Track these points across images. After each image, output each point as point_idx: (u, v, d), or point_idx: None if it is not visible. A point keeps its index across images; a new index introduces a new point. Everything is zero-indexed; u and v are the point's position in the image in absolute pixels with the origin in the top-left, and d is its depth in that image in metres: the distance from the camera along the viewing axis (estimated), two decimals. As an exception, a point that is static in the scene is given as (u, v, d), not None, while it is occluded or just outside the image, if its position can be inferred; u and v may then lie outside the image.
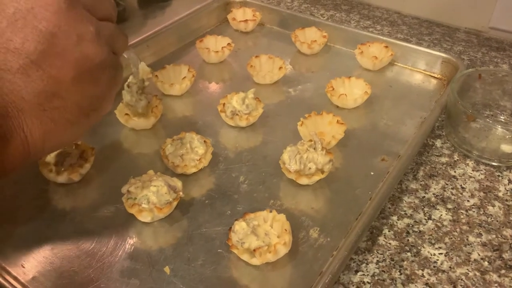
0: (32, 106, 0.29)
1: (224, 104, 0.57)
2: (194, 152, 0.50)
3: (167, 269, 0.41)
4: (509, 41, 0.78)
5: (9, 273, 0.40)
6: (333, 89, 0.61)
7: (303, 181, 0.48)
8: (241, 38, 0.76)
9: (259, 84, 0.64)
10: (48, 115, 0.30)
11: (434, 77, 0.67)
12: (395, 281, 0.41)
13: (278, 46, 0.74)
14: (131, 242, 0.43)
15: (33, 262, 0.41)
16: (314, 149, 0.49)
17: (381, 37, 0.70)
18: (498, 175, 0.52)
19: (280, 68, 0.64)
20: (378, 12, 0.88)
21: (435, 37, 0.79)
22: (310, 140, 0.50)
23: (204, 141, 0.51)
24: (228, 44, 0.68)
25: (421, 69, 0.68)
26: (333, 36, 0.73)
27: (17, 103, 0.29)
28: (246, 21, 0.75)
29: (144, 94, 0.53)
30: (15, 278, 0.39)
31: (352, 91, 0.61)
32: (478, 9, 0.79)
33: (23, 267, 0.40)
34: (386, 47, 0.68)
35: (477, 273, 0.42)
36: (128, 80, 0.51)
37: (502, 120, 0.60)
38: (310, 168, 0.48)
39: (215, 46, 0.69)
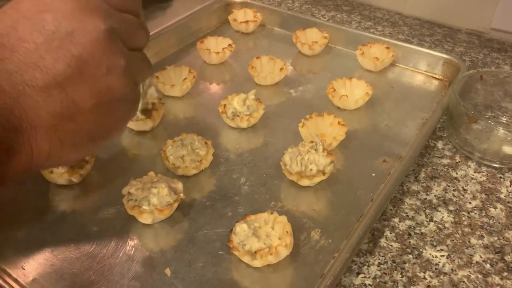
0: (46, 125, 0.30)
1: (225, 105, 0.57)
2: (195, 153, 0.50)
3: (167, 271, 0.40)
4: (510, 42, 0.78)
5: (9, 275, 0.39)
6: (334, 90, 0.60)
7: (304, 182, 0.47)
8: (242, 39, 0.76)
9: (260, 85, 0.64)
10: (59, 136, 0.31)
11: (436, 78, 0.67)
12: (397, 283, 0.41)
13: (279, 47, 0.74)
14: (131, 244, 0.43)
15: (34, 264, 0.41)
16: (315, 150, 0.48)
17: (382, 38, 0.70)
18: (500, 177, 0.52)
19: (281, 69, 0.64)
20: (379, 13, 0.87)
21: (436, 38, 0.79)
22: (311, 142, 0.50)
23: (205, 142, 0.51)
24: (229, 45, 0.68)
25: (423, 70, 0.68)
26: (334, 37, 0.72)
27: (33, 119, 0.29)
28: (247, 22, 0.75)
29: (147, 113, 0.53)
30: (16, 280, 0.39)
31: (353, 92, 0.61)
32: (479, 10, 0.79)
33: (23, 269, 0.40)
34: (387, 48, 0.68)
35: (479, 276, 0.41)
36: None
37: (504, 121, 0.60)
38: (311, 169, 0.47)
39: (216, 47, 0.69)
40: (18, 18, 0.29)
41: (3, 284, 0.38)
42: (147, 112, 0.53)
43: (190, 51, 0.72)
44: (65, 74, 0.29)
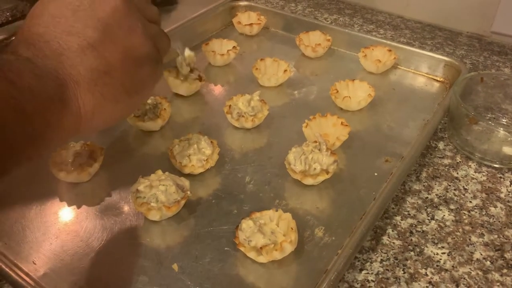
0: (86, 80, 0.34)
1: (230, 106, 0.58)
2: (201, 152, 0.51)
3: (175, 266, 0.41)
4: (511, 45, 0.79)
5: (21, 269, 0.40)
6: (337, 91, 0.62)
7: (308, 181, 0.48)
8: (246, 41, 0.77)
9: (264, 86, 0.65)
10: (99, 89, 0.35)
11: (437, 80, 0.68)
12: (399, 279, 0.42)
13: (282, 49, 0.75)
14: (139, 240, 0.44)
15: (44, 259, 0.42)
16: (319, 150, 0.49)
17: (385, 40, 0.71)
18: (500, 177, 0.53)
19: (285, 71, 0.65)
20: (381, 16, 0.89)
21: (437, 41, 0.80)
22: (315, 141, 0.51)
23: (211, 142, 0.52)
24: (234, 47, 0.69)
25: (424, 72, 0.69)
26: (337, 39, 0.74)
27: (75, 76, 0.33)
28: (251, 24, 0.77)
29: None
30: (27, 274, 0.40)
31: (356, 94, 0.62)
32: (480, 13, 0.80)
33: (35, 263, 0.41)
34: (390, 50, 0.69)
35: (480, 272, 0.42)
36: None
37: (504, 123, 0.61)
38: (315, 168, 0.48)
39: (220, 49, 0.70)
40: (48, 1, 0.35)
41: (16, 278, 0.39)
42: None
43: (195, 53, 0.73)
44: (94, 36, 0.34)
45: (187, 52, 0.59)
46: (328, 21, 0.86)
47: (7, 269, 0.40)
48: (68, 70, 0.33)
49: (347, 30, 0.76)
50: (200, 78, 0.62)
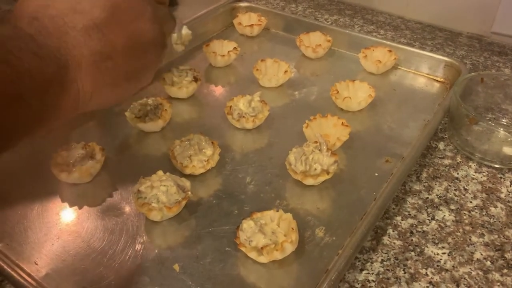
0: (88, 63, 0.33)
1: (230, 107, 0.58)
2: (202, 153, 0.51)
3: (176, 267, 0.42)
4: (511, 45, 0.79)
5: (23, 270, 0.41)
6: (338, 92, 0.62)
7: (309, 181, 0.49)
8: (246, 42, 0.77)
9: (265, 87, 0.66)
10: (100, 73, 0.34)
11: (437, 80, 0.68)
12: (400, 279, 0.42)
13: (283, 50, 0.76)
14: (141, 240, 0.44)
15: (46, 260, 0.42)
16: (320, 150, 0.50)
17: (385, 41, 0.71)
18: (500, 177, 0.53)
19: (285, 71, 0.65)
20: (381, 17, 0.89)
21: (437, 41, 0.80)
22: (316, 142, 0.51)
23: (212, 142, 0.52)
24: (234, 48, 0.70)
25: (424, 72, 0.69)
26: (337, 40, 0.74)
27: (77, 57, 0.32)
28: (251, 25, 0.77)
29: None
30: (29, 275, 0.40)
31: (356, 94, 0.62)
32: (480, 14, 0.80)
33: (36, 264, 0.42)
34: (390, 51, 0.69)
35: (480, 272, 0.42)
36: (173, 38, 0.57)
37: (504, 123, 0.61)
38: (315, 169, 0.49)
39: (221, 50, 0.71)
40: None
41: (18, 278, 0.39)
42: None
43: (196, 54, 0.74)
44: (101, 17, 0.33)
45: (185, 30, 0.57)
46: (328, 21, 0.87)
47: (9, 270, 0.40)
48: (71, 51, 0.32)
49: (347, 30, 0.76)
50: (195, 79, 0.62)
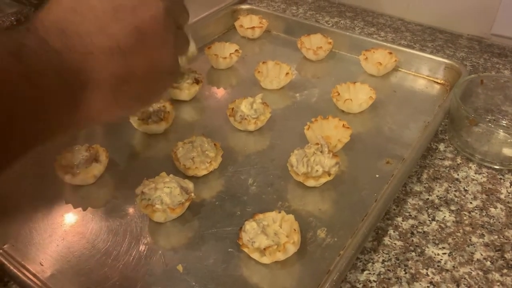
0: (107, 85, 0.33)
1: (232, 109, 0.59)
2: (205, 155, 0.51)
3: (180, 267, 0.42)
4: (510, 47, 0.79)
5: (28, 271, 0.41)
6: (339, 94, 0.62)
7: (310, 183, 0.49)
8: (248, 44, 0.78)
9: (266, 89, 0.66)
10: (114, 96, 0.34)
11: (437, 82, 0.69)
12: (400, 279, 0.42)
13: (284, 52, 0.76)
14: (145, 241, 0.45)
15: (51, 260, 0.43)
16: (321, 152, 0.50)
17: (385, 43, 0.72)
18: (500, 178, 0.53)
19: (287, 74, 0.66)
20: (382, 19, 0.89)
21: (438, 43, 0.81)
22: (317, 144, 0.51)
23: (214, 144, 0.53)
24: (236, 50, 0.70)
25: (425, 74, 0.70)
26: (338, 42, 0.74)
27: (97, 80, 0.32)
28: (253, 28, 0.77)
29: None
30: (34, 275, 0.41)
31: (357, 96, 0.63)
32: (480, 16, 0.81)
33: (42, 265, 0.42)
34: (390, 53, 0.70)
35: (480, 273, 0.43)
36: None
37: (504, 124, 0.61)
38: (317, 170, 0.49)
39: (223, 53, 0.71)
40: None
41: (24, 278, 0.40)
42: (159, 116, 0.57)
43: (198, 56, 0.74)
44: (126, 42, 0.33)
45: (192, 47, 0.57)
46: (329, 24, 0.87)
47: (15, 270, 0.41)
48: (92, 72, 0.32)
49: (348, 33, 0.77)
50: (197, 81, 0.63)
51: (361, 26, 0.86)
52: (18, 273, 0.41)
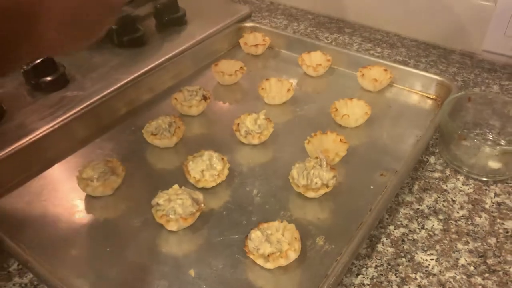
0: (56, 17, 0.34)
1: (238, 124, 0.63)
2: (213, 168, 0.56)
3: (191, 272, 0.47)
4: (500, 63, 0.84)
5: (55, 274, 0.46)
6: (337, 109, 0.67)
7: (310, 194, 0.54)
8: (252, 60, 0.83)
9: (269, 104, 0.71)
10: (63, 28, 0.35)
11: (430, 98, 0.73)
12: (391, 283, 0.47)
13: (286, 68, 0.81)
14: (159, 248, 0.49)
15: (75, 265, 0.47)
16: (320, 166, 0.55)
17: (381, 60, 0.76)
18: (486, 189, 0.58)
19: (288, 90, 0.70)
20: (378, 34, 0.94)
21: (431, 59, 0.85)
22: (316, 157, 0.56)
23: (222, 158, 0.58)
24: (241, 68, 0.75)
25: (418, 90, 0.74)
26: (337, 59, 0.79)
27: (46, 13, 0.33)
28: (256, 45, 0.82)
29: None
30: (61, 280, 0.45)
31: (353, 112, 0.67)
32: (472, 32, 0.85)
33: (67, 269, 0.47)
34: (386, 70, 0.74)
35: (464, 276, 0.47)
36: None
37: (491, 138, 0.66)
38: (316, 183, 0.54)
39: (228, 70, 0.76)
40: None
41: (53, 282, 0.45)
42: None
43: (205, 73, 0.79)
44: None
45: None
46: (328, 40, 0.92)
47: (45, 273, 0.45)
48: (42, 8, 0.32)
49: (346, 50, 0.81)
50: (205, 98, 0.68)
51: (359, 42, 0.91)
52: (49, 276, 0.45)
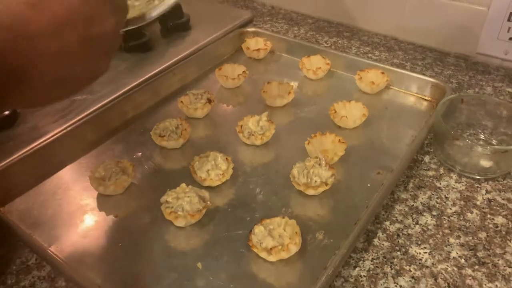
0: (42, 85, 0.33)
1: (241, 126, 0.66)
2: (218, 167, 0.59)
3: (199, 265, 0.50)
4: (494, 65, 0.87)
5: (71, 266, 0.49)
6: (335, 111, 0.70)
7: (310, 192, 0.57)
8: (254, 64, 0.86)
9: (271, 106, 0.74)
10: (47, 91, 0.34)
11: (425, 99, 0.76)
12: (387, 274, 0.50)
13: (287, 71, 0.84)
14: (168, 243, 0.52)
15: (91, 259, 0.50)
16: (319, 165, 0.58)
17: (378, 64, 0.79)
18: (477, 186, 0.61)
19: (289, 92, 0.73)
20: (376, 38, 0.97)
21: (427, 61, 0.88)
22: (316, 157, 0.59)
23: (226, 158, 0.61)
24: (243, 71, 0.78)
25: (414, 92, 0.77)
26: (336, 63, 0.82)
27: (34, 80, 0.32)
28: (258, 50, 0.85)
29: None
30: (76, 271, 0.49)
31: (352, 113, 0.70)
32: (466, 36, 0.88)
33: (83, 263, 0.50)
34: (383, 73, 0.77)
35: (455, 268, 0.50)
36: None
37: (483, 138, 0.69)
38: (315, 181, 0.57)
39: (232, 74, 0.79)
40: None
41: (70, 273, 0.48)
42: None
43: (209, 77, 0.82)
44: (78, 49, 0.33)
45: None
46: (328, 43, 0.95)
47: (63, 267, 0.48)
48: (31, 74, 0.32)
49: (344, 54, 0.84)
50: (210, 101, 0.71)
51: (357, 45, 0.94)
52: (66, 269, 0.49)
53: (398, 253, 0.52)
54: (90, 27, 0.33)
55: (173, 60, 0.81)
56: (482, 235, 0.54)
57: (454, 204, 0.58)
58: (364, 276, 0.49)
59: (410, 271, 0.50)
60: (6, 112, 0.64)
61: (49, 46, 0.31)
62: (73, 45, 0.32)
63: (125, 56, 0.82)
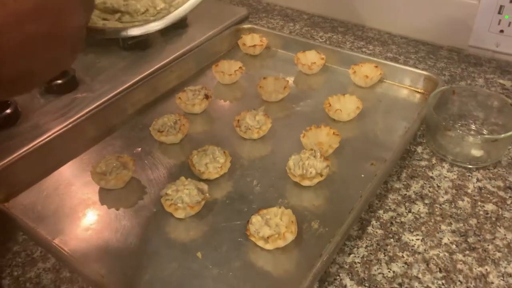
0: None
1: (238, 120, 0.68)
2: (216, 161, 0.61)
3: (199, 254, 0.51)
4: (486, 57, 0.88)
5: (74, 257, 0.51)
6: (330, 105, 0.71)
7: (306, 183, 0.58)
8: (250, 60, 0.87)
9: (267, 101, 0.75)
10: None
11: (418, 92, 0.78)
12: (380, 261, 0.51)
13: (282, 67, 0.85)
14: (169, 234, 0.54)
15: (94, 251, 0.52)
16: (314, 157, 0.59)
17: (372, 58, 0.81)
18: (468, 175, 0.62)
19: (285, 87, 0.75)
20: (370, 33, 0.98)
21: (420, 55, 0.90)
22: (311, 149, 0.61)
23: (224, 152, 0.62)
24: (240, 67, 0.80)
25: (407, 85, 0.79)
26: (330, 57, 0.83)
27: None
28: (254, 46, 0.87)
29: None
30: (79, 261, 0.50)
31: (346, 106, 0.72)
32: (458, 29, 0.90)
33: (85, 256, 0.51)
34: (376, 67, 0.78)
35: (446, 254, 0.52)
36: None
37: (474, 128, 0.70)
38: (311, 172, 0.58)
39: (228, 70, 0.80)
40: None
41: (75, 265, 0.50)
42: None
43: (206, 73, 0.84)
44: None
45: None
46: (323, 39, 0.96)
47: (67, 258, 0.50)
48: None
49: (339, 48, 0.86)
50: (207, 96, 0.72)
51: (352, 40, 0.96)
52: (70, 261, 0.50)
53: (391, 240, 0.54)
54: (58, 21, 0.33)
55: (171, 58, 0.83)
56: (473, 221, 0.56)
57: (446, 193, 0.60)
58: (359, 262, 0.51)
59: (403, 257, 0.52)
60: (8, 111, 0.66)
61: (10, 38, 0.30)
62: (38, 38, 0.31)
63: (123, 54, 0.83)
